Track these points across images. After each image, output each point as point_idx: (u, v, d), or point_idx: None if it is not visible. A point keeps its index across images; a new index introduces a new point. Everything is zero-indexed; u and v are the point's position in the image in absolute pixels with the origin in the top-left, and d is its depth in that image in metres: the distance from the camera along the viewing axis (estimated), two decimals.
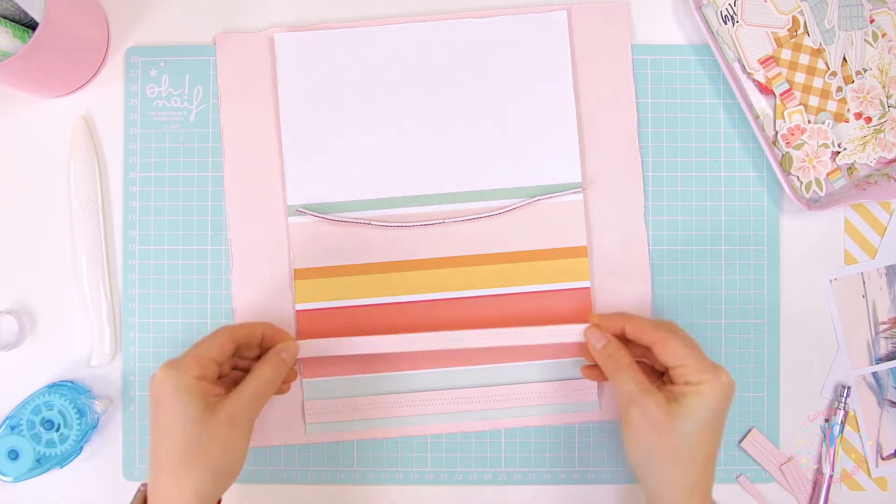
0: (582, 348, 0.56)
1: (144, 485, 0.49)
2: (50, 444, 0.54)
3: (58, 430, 0.54)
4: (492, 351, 0.57)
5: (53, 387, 0.56)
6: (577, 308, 0.57)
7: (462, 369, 0.57)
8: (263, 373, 0.50)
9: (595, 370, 0.55)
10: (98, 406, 0.56)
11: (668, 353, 0.49)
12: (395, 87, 0.57)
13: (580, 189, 0.57)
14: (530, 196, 0.57)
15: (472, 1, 0.58)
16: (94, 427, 0.56)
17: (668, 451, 0.47)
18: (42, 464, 0.54)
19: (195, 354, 0.48)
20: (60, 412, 0.54)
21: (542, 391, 0.57)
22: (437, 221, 0.57)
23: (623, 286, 0.57)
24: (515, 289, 0.57)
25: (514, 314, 0.57)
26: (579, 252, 0.57)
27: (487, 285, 0.57)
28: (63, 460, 0.55)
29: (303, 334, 0.57)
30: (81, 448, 0.56)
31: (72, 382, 0.57)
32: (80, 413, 0.54)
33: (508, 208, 0.57)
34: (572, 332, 0.54)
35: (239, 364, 0.54)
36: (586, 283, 0.57)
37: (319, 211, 0.57)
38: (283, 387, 0.55)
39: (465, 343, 0.53)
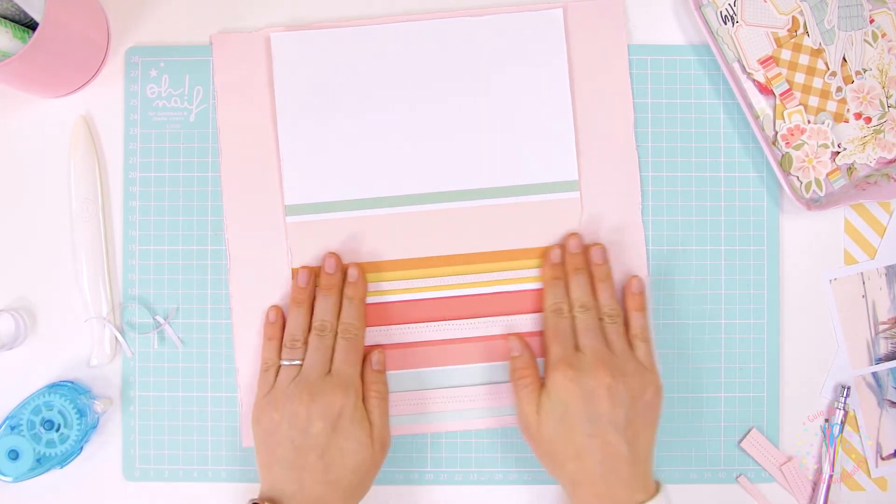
0: None
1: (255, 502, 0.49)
2: (50, 444, 0.54)
3: (58, 430, 0.54)
4: (490, 350, 0.57)
5: (53, 387, 0.56)
6: None
7: (460, 367, 0.57)
8: (384, 391, 0.54)
9: None
10: (98, 406, 0.56)
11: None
12: (391, 85, 0.57)
13: (576, 187, 0.57)
14: (527, 194, 0.57)
15: None
16: (94, 427, 0.56)
17: (541, 457, 0.53)
18: (42, 464, 0.54)
19: (347, 374, 0.52)
20: (60, 412, 0.54)
21: None
22: (435, 220, 0.57)
23: (620, 285, 0.57)
24: (513, 287, 0.57)
25: (513, 313, 0.57)
26: None
27: (485, 283, 0.57)
28: (63, 460, 0.55)
29: None
30: (81, 448, 0.56)
31: (72, 382, 0.57)
32: (80, 413, 0.54)
33: (505, 206, 0.57)
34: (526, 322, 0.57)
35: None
36: None
37: (317, 210, 0.57)
38: None
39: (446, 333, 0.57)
